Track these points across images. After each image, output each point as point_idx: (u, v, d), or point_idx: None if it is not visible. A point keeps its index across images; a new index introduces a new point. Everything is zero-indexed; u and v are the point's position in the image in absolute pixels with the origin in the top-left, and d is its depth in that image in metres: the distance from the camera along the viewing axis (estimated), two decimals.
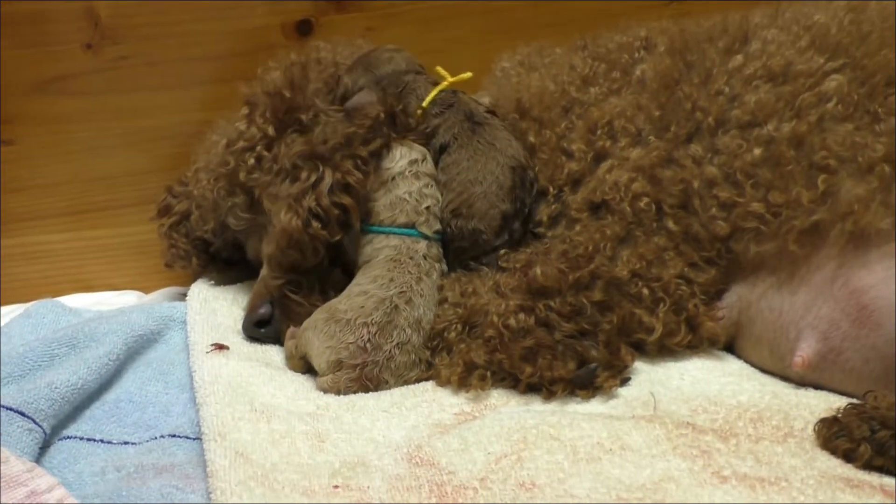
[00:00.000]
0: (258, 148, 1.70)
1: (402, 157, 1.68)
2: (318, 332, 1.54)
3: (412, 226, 1.65)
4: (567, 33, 1.89)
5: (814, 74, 1.50)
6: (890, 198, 1.38)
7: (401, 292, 1.57)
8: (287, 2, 2.02)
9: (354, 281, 1.64)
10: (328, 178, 1.63)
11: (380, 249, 1.65)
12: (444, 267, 1.67)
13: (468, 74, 1.79)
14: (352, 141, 1.67)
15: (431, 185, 1.69)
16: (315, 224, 1.61)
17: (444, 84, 1.78)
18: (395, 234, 1.65)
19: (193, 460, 1.36)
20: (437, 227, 1.68)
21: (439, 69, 1.81)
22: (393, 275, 1.60)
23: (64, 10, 1.99)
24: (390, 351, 1.52)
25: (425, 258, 1.63)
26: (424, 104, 1.75)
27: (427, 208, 1.67)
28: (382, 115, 1.69)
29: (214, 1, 2.01)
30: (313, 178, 1.63)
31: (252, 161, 1.70)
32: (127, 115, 2.08)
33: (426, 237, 1.65)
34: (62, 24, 2.00)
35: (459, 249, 1.68)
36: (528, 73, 1.79)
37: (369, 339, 1.51)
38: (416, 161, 1.69)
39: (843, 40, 1.52)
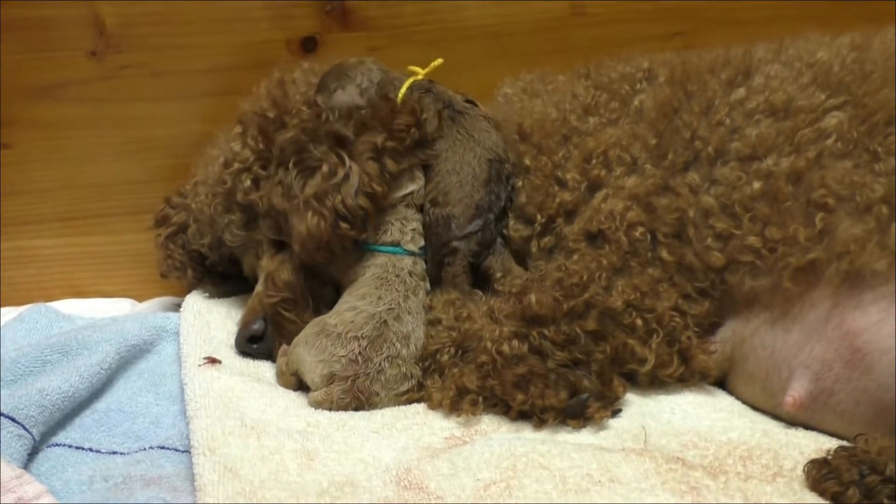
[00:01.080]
0: (254, 168, 1.71)
1: (400, 188, 1.70)
2: (310, 346, 1.55)
3: (397, 244, 1.67)
4: (569, 61, 1.89)
5: (814, 110, 1.50)
6: (886, 239, 1.38)
7: (389, 309, 1.58)
8: (293, 18, 2.02)
9: (342, 299, 1.65)
10: (355, 179, 1.63)
11: (366, 267, 1.66)
12: (428, 285, 1.68)
13: (439, 61, 1.82)
14: (384, 149, 1.66)
15: (417, 212, 1.71)
16: (343, 225, 1.61)
17: (417, 76, 1.81)
18: (380, 251, 1.67)
19: (182, 473, 1.36)
20: (421, 242, 1.70)
21: (411, 67, 1.83)
22: (381, 292, 1.61)
23: (70, 16, 2.00)
24: (380, 364, 1.53)
25: (411, 275, 1.65)
26: (400, 95, 1.77)
27: (413, 229, 1.69)
28: (416, 133, 1.69)
29: (220, 14, 2.01)
30: (340, 175, 1.62)
31: (249, 182, 1.71)
32: (127, 123, 2.08)
33: (411, 253, 1.67)
34: (67, 31, 2.01)
35: (435, 236, 1.69)
36: (530, 99, 1.79)
37: (360, 353, 1.52)
38: (411, 193, 1.71)
39: (846, 78, 1.52)
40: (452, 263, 1.67)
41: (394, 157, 1.67)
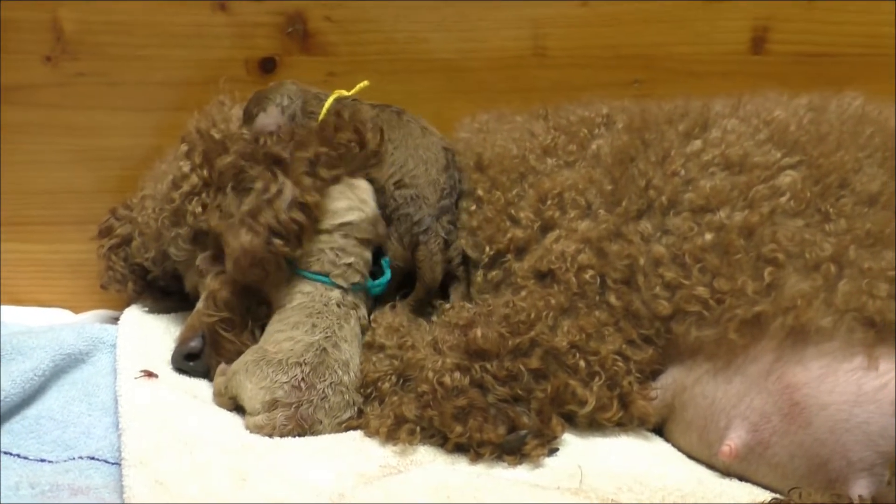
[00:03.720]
0: (203, 195, 1.71)
1: (337, 215, 1.67)
2: (250, 374, 1.53)
3: (326, 275, 1.65)
4: (527, 101, 1.90)
5: (770, 168, 1.51)
6: (832, 297, 1.39)
7: (326, 337, 1.57)
8: (253, 38, 2.02)
9: (273, 326, 1.63)
10: (287, 193, 1.62)
11: (294, 294, 1.64)
12: (363, 313, 1.66)
13: (365, 83, 1.83)
14: (318, 160, 1.66)
15: (361, 246, 1.68)
16: (277, 241, 1.60)
17: (339, 93, 1.82)
18: (308, 278, 1.65)
19: (110, 485, 1.35)
20: (356, 279, 1.67)
21: (337, 90, 1.83)
22: (314, 320, 1.59)
23: (28, 20, 1.98)
24: (324, 391, 1.51)
25: (339, 306, 1.63)
26: (325, 108, 1.78)
27: (348, 264, 1.66)
28: (356, 147, 1.69)
29: (181, 28, 2.00)
30: (273, 191, 1.62)
31: (199, 209, 1.71)
32: (78, 132, 2.06)
33: (340, 287, 1.65)
34: (24, 34, 1.99)
35: (405, 217, 1.69)
36: (490, 134, 1.79)
37: (303, 379, 1.51)
38: (350, 223, 1.67)
39: (801, 138, 1.53)
40: (427, 242, 1.67)
41: (328, 165, 1.67)
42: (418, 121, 1.81)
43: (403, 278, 1.73)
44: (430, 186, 1.71)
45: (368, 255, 1.70)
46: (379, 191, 1.72)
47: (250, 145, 1.67)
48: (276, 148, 1.66)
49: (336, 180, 1.68)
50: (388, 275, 1.70)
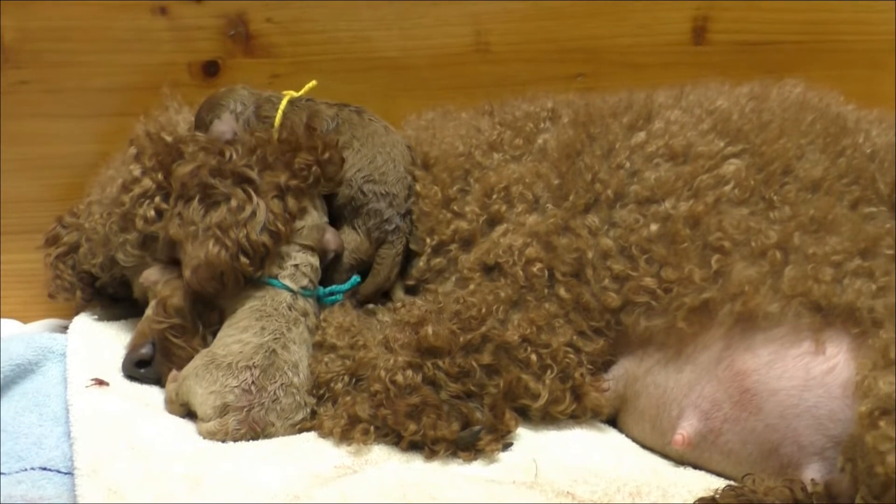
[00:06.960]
0: (156, 199, 1.69)
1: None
2: (200, 379, 1.52)
3: (274, 277, 1.65)
4: (472, 97, 1.90)
5: (713, 157, 1.53)
6: (779, 283, 1.40)
7: (275, 338, 1.57)
8: (195, 41, 2.00)
9: (224, 331, 1.62)
10: (261, 217, 1.62)
11: (246, 297, 1.64)
12: (312, 321, 1.66)
13: (313, 83, 1.84)
14: (287, 189, 1.67)
15: (305, 251, 1.68)
16: (244, 260, 1.60)
17: (290, 94, 1.83)
18: (258, 281, 1.65)
19: (63, 495, 1.34)
20: (304, 283, 1.67)
21: (286, 91, 1.83)
22: (263, 323, 1.59)
23: None
24: (275, 392, 1.51)
25: (290, 309, 1.62)
26: (277, 117, 1.79)
27: (295, 265, 1.66)
28: (318, 169, 1.70)
29: (122, 34, 1.98)
30: (248, 211, 1.62)
31: (152, 213, 1.69)
32: (22, 140, 2.03)
33: (290, 290, 1.64)
34: None
35: (375, 213, 1.71)
36: (438, 131, 1.80)
37: (253, 382, 1.50)
38: (301, 228, 1.68)
39: (744, 126, 1.55)
40: (394, 242, 1.71)
41: (296, 196, 1.68)
42: (379, 119, 1.82)
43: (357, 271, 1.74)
44: (399, 184, 1.73)
45: (315, 260, 1.69)
46: (345, 183, 1.74)
47: (214, 158, 1.67)
48: (243, 168, 1.66)
49: (303, 211, 1.70)
50: (346, 287, 1.72)
